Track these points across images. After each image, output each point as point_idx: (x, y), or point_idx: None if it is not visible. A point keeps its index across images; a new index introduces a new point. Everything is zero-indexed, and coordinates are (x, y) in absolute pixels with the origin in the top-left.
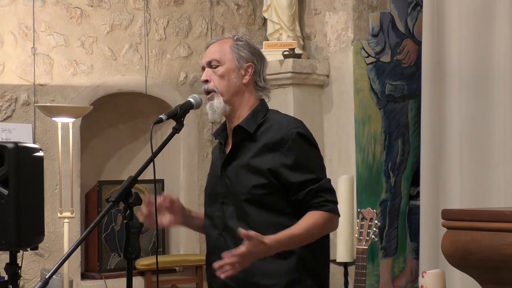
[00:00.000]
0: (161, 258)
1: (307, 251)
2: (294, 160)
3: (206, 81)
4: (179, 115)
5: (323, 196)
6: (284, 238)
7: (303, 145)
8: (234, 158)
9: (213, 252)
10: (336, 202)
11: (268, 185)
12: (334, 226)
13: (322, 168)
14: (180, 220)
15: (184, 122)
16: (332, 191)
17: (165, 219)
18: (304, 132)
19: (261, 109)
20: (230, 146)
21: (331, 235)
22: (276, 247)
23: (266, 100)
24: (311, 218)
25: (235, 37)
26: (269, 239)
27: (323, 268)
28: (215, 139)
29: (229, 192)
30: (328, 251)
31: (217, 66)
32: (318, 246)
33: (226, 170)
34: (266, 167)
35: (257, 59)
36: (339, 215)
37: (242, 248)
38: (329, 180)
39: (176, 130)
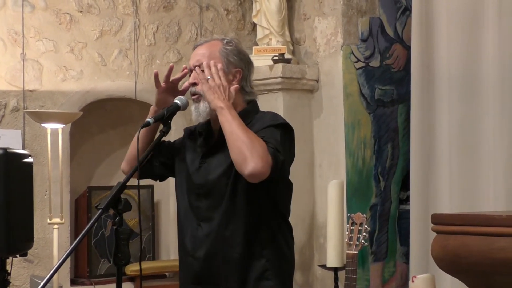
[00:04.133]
0: (150, 264)
1: (275, 251)
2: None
3: (194, 84)
4: (166, 117)
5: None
6: (236, 115)
7: (274, 130)
8: (217, 151)
9: (192, 241)
10: (277, 155)
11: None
12: (265, 160)
13: (284, 150)
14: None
15: (173, 126)
16: (278, 151)
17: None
18: (281, 125)
19: (252, 110)
20: (213, 142)
21: (321, 239)
22: (226, 105)
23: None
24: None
25: (225, 41)
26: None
27: (291, 265)
28: (198, 132)
29: (208, 183)
30: (293, 250)
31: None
32: (286, 246)
33: (205, 161)
34: None
35: (245, 64)
36: (274, 161)
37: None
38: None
39: (164, 132)
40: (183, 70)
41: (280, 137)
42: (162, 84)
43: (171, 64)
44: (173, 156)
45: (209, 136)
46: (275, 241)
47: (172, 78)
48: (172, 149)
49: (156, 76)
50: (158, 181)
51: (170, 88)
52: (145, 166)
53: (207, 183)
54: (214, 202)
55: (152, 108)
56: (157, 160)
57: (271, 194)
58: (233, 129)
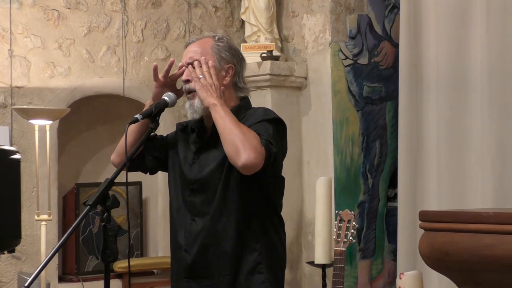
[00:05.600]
0: (138, 261)
1: (267, 245)
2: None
3: (187, 81)
4: (154, 114)
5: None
6: (228, 110)
7: (267, 124)
8: (209, 148)
9: (186, 236)
10: (270, 147)
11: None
12: (258, 151)
13: (276, 143)
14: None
15: (161, 123)
16: (271, 143)
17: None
18: (274, 119)
19: (245, 106)
20: (206, 138)
21: (309, 236)
22: (219, 101)
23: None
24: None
25: (216, 37)
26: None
27: (283, 259)
28: (190, 128)
29: (202, 178)
30: (285, 244)
31: None
32: (278, 240)
33: (198, 157)
34: None
35: (237, 60)
36: (267, 153)
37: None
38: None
39: (152, 129)
40: (181, 67)
41: (272, 131)
42: (161, 78)
43: (172, 59)
44: (166, 150)
45: (201, 132)
46: (267, 235)
47: (170, 74)
48: (164, 143)
49: (155, 69)
50: (148, 174)
51: (168, 83)
52: (136, 159)
53: (200, 178)
54: (208, 197)
55: (148, 103)
56: (149, 154)
57: (264, 188)
58: (226, 124)
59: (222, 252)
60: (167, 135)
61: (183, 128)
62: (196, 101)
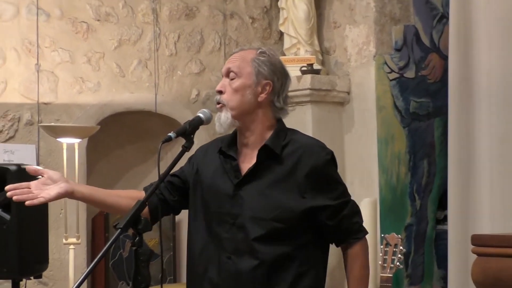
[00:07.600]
0: (172, 287)
1: (306, 266)
2: (334, 193)
3: (220, 92)
4: (188, 132)
5: (357, 222)
6: None
7: (333, 171)
8: (254, 178)
9: (220, 275)
10: (363, 230)
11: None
12: (367, 248)
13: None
14: (67, 188)
15: (195, 140)
16: (359, 211)
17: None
18: (333, 157)
19: (282, 128)
20: (243, 163)
21: None
22: None
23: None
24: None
25: (259, 50)
26: None
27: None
28: (221, 153)
29: (245, 214)
30: (325, 269)
31: (234, 78)
32: (318, 263)
33: (241, 189)
34: (305, 204)
35: (278, 77)
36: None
37: None
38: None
39: (186, 148)
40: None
41: (342, 185)
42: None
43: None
44: (188, 184)
45: (238, 156)
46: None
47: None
48: (185, 175)
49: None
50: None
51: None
52: (163, 206)
53: (242, 216)
54: (254, 235)
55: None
56: (174, 194)
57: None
58: None
59: None
60: (181, 168)
61: (208, 151)
62: (223, 115)
